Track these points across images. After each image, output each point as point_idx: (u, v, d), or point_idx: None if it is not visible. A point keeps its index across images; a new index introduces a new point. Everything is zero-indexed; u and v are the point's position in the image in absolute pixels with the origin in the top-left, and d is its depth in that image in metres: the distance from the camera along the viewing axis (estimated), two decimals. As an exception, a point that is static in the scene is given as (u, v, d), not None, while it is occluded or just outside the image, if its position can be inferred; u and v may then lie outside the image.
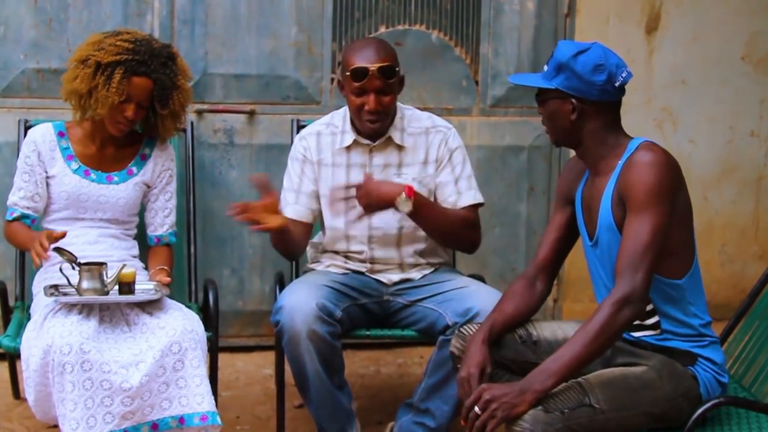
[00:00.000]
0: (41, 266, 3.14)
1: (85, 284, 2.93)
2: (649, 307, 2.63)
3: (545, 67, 2.65)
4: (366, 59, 3.15)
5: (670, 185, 2.53)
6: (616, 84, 2.59)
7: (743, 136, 4.68)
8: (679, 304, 2.62)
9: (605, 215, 2.61)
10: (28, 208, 3.25)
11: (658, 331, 2.65)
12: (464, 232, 3.27)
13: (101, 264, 2.96)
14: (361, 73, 3.13)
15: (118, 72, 3.12)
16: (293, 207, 3.31)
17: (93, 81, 3.15)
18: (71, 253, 2.98)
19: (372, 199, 3.03)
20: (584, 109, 2.60)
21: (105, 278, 2.95)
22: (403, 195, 3.02)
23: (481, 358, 2.65)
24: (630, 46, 4.43)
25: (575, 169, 2.81)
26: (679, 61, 4.55)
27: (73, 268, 2.96)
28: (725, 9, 4.56)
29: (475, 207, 3.32)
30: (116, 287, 2.97)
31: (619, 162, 2.60)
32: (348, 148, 3.30)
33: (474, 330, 2.81)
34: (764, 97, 4.66)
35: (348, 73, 3.15)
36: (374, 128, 3.22)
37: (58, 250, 2.97)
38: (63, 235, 2.95)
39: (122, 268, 2.98)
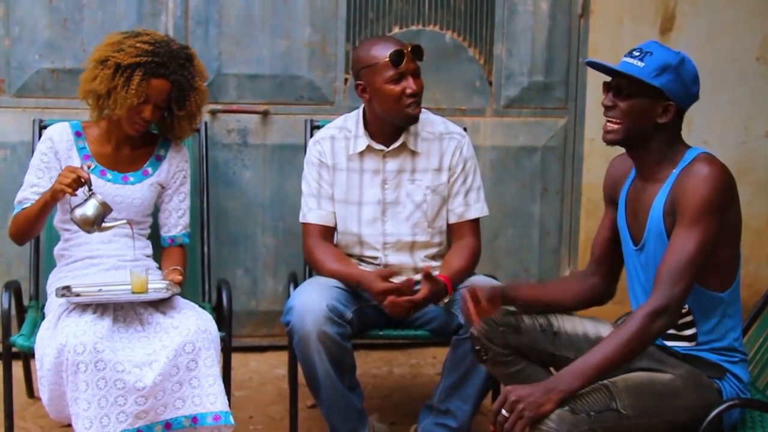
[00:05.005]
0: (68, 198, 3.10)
1: (85, 210, 2.97)
2: (688, 319, 2.62)
3: (637, 62, 2.55)
4: (393, 44, 3.16)
5: (723, 201, 2.50)
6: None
7: (758, 138, 4.66)
8: (718, 317, 2.61)
9: (656, 222, 2.58)
10: None
11: (693, 343, 2.63)
12: (477, 261, 3.33)
13: (109, 208, 3.00)
14: (399, 57, 3.12)
15: (137, 74, 3.12)
16: (317, 212, 3.31)
17: (112, 82, 3.15)
18: (89, 179, 3.00)
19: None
20: (673, 116, 2.58)
21: (103, 217, 2.98)
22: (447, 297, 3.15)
23: (489, 290, 2.76)
24: (644, 47, 4.41)
25: (620, 170, 2.78)
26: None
27: (90, 189, 2.98)
28: (740, 10, 4.54)
29: (478, 219, 3.36)
30: (128, 287, 2.99)
31: (675, 171, 2.57)
32: (361, 153, 3.30)
33: None
34: (779, 98, 4.64)
35: (383, 62, 3.12)
36: (417, 112, 3.21)
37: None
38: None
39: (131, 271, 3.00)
